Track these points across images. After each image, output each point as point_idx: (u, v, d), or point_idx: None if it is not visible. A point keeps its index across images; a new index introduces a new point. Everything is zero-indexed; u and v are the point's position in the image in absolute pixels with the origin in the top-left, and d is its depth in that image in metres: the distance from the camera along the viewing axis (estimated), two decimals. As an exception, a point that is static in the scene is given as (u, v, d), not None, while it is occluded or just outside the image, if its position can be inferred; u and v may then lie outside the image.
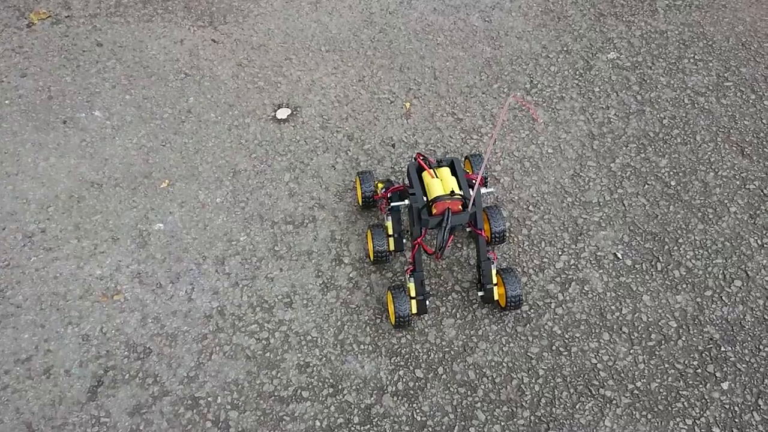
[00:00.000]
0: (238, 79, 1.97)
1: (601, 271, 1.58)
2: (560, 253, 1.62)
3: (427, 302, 1.50)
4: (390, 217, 1.55)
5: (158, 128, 1.86)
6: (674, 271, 1.58)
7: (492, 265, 1.49)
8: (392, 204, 1.52)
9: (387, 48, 2.06)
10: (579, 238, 1.64)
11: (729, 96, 1.93)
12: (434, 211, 1.43)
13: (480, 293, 1.51)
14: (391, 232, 1.55)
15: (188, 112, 1.89)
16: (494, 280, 1.49)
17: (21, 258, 1.61)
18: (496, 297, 1.50)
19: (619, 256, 1.61)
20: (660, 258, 1.61)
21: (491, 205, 1.60)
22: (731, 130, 1.85)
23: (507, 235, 1.64)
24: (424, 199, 1.45)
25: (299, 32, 2.10)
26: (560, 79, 1.97)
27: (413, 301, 1.46)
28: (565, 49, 2.05)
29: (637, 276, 1.58)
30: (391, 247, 1.56)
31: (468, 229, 1.59)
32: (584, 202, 1.71)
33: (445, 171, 1.50)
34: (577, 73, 1.99)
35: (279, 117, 1.88)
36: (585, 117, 1.88)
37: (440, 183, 1.45)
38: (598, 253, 1.62)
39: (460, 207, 1.43)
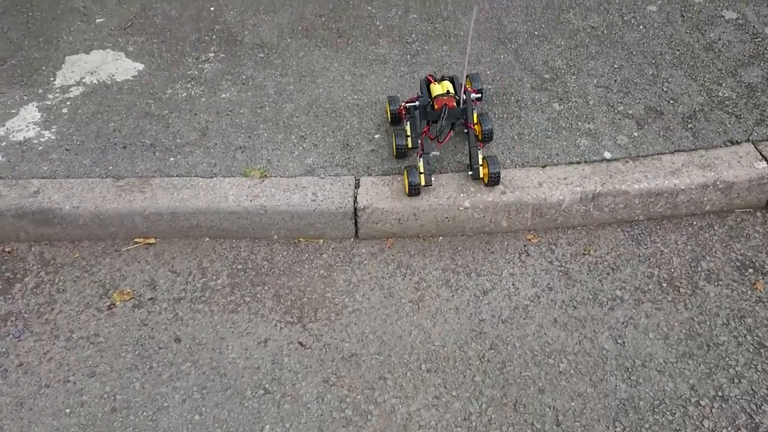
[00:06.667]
0: (323, 403, 1.70)
1: None
2: None
3: (432, 177, 1.97)
4: (408, 122, 2.06)
5: (225, 468, 1.58)
6: None
7: (479, 151, 1.98)
8: (408, 105, 2.05)
9: (499, 372, 1.75)
10: None
11: None
12: (435, 107, 1.97)
13: (470, 172, 2.01)
14: (408, 133, 2.05)
15: (262, 447, 1.62)
16: (480, 162, 1.98)
17: None
18: (481, 175, 1.99)
19: None
20: None
21: (483, 112, 2.12)
22: None
23: (494, 133, 2.13)
24: (428, 100, 1.99)
25: (397, 340, 1.83)
26: (718, 443, 1.58)
27: (422, 175, 1.95)
28: (719, 394, 1.67)
29: None
30: (409, 145, 2.05)
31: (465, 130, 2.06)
32: None
33: (447, 82, 2.02)
34: (740, 434, 1.59)
35: (366, 466, 1.57)
36: (757, 508, 1.46)
37: (440, 87, 2.01)
38: None
39: (454, 104, 1.97)
